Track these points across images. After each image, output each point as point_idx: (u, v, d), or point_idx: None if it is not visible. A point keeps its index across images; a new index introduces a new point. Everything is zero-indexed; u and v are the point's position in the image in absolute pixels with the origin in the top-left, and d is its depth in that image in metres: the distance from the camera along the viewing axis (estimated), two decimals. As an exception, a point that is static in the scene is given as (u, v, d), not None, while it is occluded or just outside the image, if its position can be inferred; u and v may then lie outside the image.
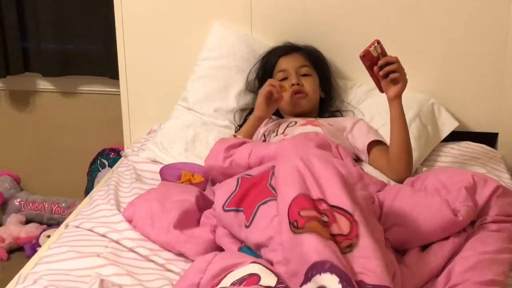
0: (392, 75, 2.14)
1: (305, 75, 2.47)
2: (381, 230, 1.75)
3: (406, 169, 2.23)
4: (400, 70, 2.14)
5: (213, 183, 2.25)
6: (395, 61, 2.13)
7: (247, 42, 2.68)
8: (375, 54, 2.14)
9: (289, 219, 1.60)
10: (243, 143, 2.11)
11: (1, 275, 3.19)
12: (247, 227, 1.77)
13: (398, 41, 2.57)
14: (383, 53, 2.14)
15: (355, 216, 1.61)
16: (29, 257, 3.25)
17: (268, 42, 2.63)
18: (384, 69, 2.13)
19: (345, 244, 1.56)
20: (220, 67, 2.67)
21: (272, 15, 2.67)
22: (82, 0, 3.22)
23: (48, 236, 3.23)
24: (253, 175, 1.91)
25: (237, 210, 1.84)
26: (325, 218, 1.60)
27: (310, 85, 2.45)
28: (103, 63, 3.23)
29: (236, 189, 1.89)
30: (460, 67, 2.60)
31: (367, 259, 1.55)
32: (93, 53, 3.28)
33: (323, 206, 1.64)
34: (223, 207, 1.88)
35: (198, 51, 2.72)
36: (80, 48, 3.31)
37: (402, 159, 2.23)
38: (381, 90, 2.22)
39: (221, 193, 1.94)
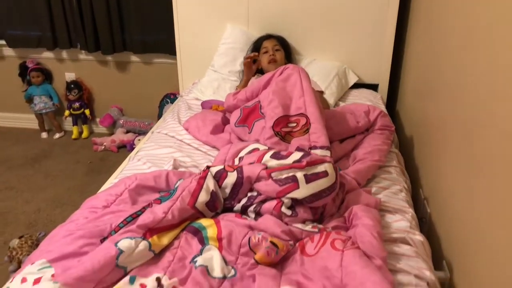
0: None
1: (277, 50, 2.42)
2: (325, 121, 1.75)
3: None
4: None
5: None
6: None
7: (246, 34, 2.65)
8: None
9: (274, 130, 1.67)
10: (239, 91, 2.05)
11: (115, 159, 3.25)
12: (249, 133, 1.81)
13: (328, 33, 2.58)
14: None
15: (307, 114, 1.66)
16: (129, 151, 3.31)
17: (257, 34, 2.61)
18: None
19: (304, 129, 1.61)
20: (231, 48, 2.65)
21: (259, 20, 2.65)
22: (155, 10, 3.16)
23: (139, 140, 3.28)
24: (249, 106, 1.92)
25: (243, 126, 1.86)
26: (294, 124, 1.65)
27: (279, 55, 2.41)
28: (167, 46, 3.20)
29: (240, 115, 1.90)
30: (359, 47, 2.59)
31: (316, 134, 1.60)
32: (161, 40, 3.24)
33: (293, 116, 1.69)
34: (234, 124, 1.91)
35: (219, 39, 2.70)
36: (154, 37, 3.26)
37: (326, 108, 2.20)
38: None
39: (232, 118, 1.94)
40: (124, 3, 3.19)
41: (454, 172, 1.45)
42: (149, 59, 3.41)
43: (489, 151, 1.17)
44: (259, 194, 1.41)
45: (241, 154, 1.57)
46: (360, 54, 2.60)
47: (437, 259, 1.47)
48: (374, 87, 2.65)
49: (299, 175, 1.36)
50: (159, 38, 3.24)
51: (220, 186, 1.42)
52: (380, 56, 2.57)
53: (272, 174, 1.40)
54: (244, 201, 1.42)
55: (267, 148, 1.52)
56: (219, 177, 1.42)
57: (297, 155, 1.41)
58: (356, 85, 2.61)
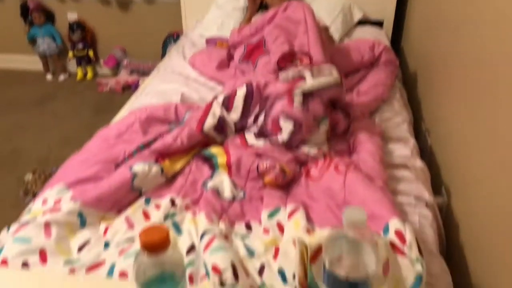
0: None
1: None
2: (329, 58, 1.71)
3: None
4: None
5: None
6: None
7: None
8: None
9: (279, 65, 1.67)
10: (244, 26, 2.04)
11: (121, 99, 3.26)
12: (254, 70, 1.80)
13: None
14: None
15: (311, 53, 1.66)
16: (133, 91, 3.31)
17: None
18: None
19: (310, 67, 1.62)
20: None
21: None
22: None
23: (143, 80, 3.28)
24: (253, 42, 1.91)
25: (247, 62, 1.86)
26: (298, 62, 1.66)
27: None
28: None
29: (244, 51, 1.90)
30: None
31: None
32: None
33: (298, 54, 1.69)
34: (238, 61, 1.91)
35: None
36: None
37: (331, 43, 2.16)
38: None
39: (236, 55, 1.95)
40: None
41: (454, 105, 1.48)
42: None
43: (488, 86, 1.20)
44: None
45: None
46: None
47: (437, 186, 1.53)
48: (379, 24, 2.62)
49: (306, 71, 1.43)
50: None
51: (231, 109, 1.46)
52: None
53: (280, 76, 1.47)
54: (255, 112, 1.47)
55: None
56: (228, 101, 1.46)
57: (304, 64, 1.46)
58: (361, 23, 2.57)
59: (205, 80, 1.98)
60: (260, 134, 1.45)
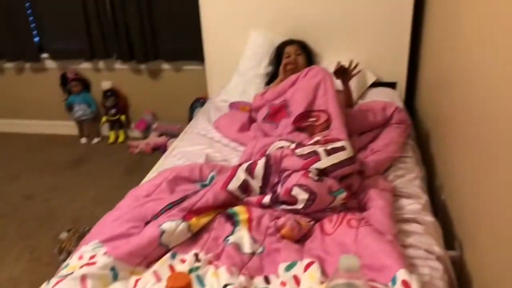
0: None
1: (298, 54, 2.44)
2: (345, 118, 1.84)
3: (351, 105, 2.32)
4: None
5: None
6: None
7: (268, 39, 2.73)
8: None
9: (296, 124, 1.78)
10: (267, 91, 2.16)
11: (151, 160, 3.43)
12: (275, 129, 1.95)
13: (346, 41, 2.68)
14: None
15: (329, 111, 1.78)
16: (162, 152, 3.48)
17: (278, 37, 2.67)
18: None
19: (325, 125, 1.73)
20: (255, 53, 2.74)
21: (280, 24, 2.74)
22: (189, 20, 3.33)
23: (171, 142, 3.44)
24: (277, 103, 2.02)
25: (271, 122, 1.99)
26: (314, 119, 1.78)
27: (301, 59, 2.43)
28: (196, 53, 3.30)
29: (268, 111, 2.02)
30: (377, 47, 2.67)
31: (336, 130, 1.70)
32: (192, 48, 3.37)
33: (315, 112, 1.81)
34: (262, 120, 2.03)
35: (243, 45, 2.82)
36: (185, 46, 3.43)
37: (349, 103, 2.26)
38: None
39: (260, 114, 2.07)
40: (157, 17, 3.39)
41: (466, 160, 1.55)
42: (179, 66, 3.59)
43: (494, 144, 1.28)
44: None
45: (268, 152, 1.71)
46: (378, 55, 2.69)
47: (451, 240, 1.58)
48: (392, 85, 2.72)
49: (320, 150, 1.52)
50: (188, 46, 3.40)
51: (253, 177, 1.56)
52: (398, 56, 2.66)
53: (296, 151, 1.56)
54: (274, 182, 1.55)
55: (291, 144, 1.65)
56: (251, 168, 1.57)
57: (316, 138, 1.56)
58: (375, 84, 2.69)
59: (227, 141, 2.12)
60: (276, 202, 1.53)
